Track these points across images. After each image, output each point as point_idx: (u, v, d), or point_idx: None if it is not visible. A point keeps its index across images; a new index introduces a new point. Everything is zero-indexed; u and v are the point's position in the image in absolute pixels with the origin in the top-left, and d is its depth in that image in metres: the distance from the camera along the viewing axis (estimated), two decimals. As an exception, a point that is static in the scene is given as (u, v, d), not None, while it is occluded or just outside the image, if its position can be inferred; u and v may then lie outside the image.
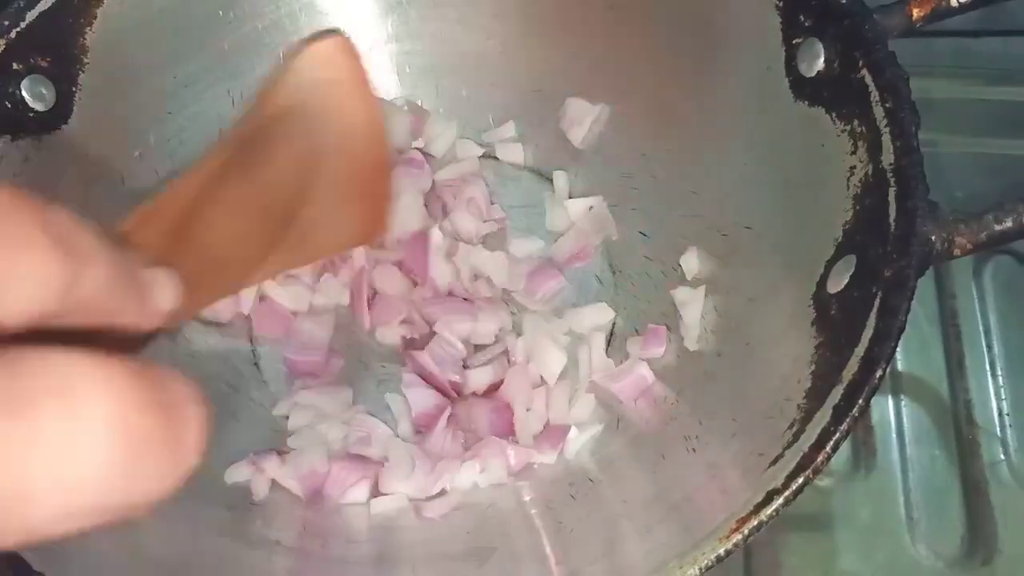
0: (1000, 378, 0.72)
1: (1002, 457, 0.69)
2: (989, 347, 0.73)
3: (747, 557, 0.66)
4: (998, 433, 0.70)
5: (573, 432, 0.62)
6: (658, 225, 0.69)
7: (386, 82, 0.75)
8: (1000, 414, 0.71)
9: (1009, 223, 0.48)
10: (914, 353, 0.73)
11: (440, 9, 0.73)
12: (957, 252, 0.48)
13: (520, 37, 0.73)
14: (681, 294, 0.65)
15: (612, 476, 0.59)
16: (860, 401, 0.45)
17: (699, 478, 0.52)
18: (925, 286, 0.75)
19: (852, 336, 0.48)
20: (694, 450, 0.56)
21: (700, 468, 0.53)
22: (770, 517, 0.43)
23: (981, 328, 0.74)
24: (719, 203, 0.65)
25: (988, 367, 0.72)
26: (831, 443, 0.44)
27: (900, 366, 0.73)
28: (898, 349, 0.71)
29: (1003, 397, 0.71)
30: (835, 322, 0.51)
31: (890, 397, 0.71)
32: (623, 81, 0.70)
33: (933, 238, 0.48)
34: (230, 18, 0.70)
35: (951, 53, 0.87)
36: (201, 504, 0.57)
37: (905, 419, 0.71)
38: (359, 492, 0.60)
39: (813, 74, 0.57)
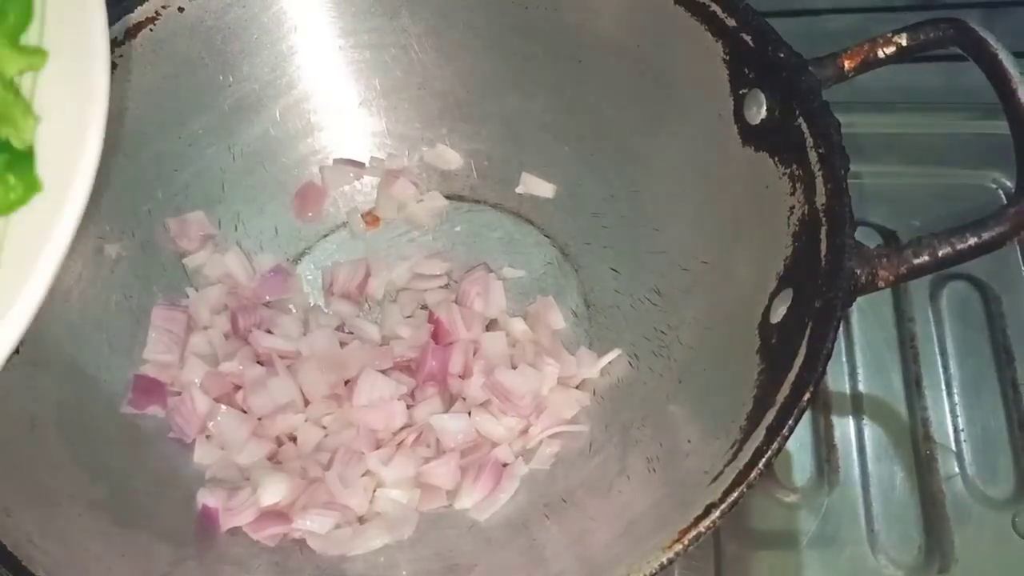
0: (956, 396, 0.76)
1: (957, 471, 0.73)
2: (945, 367, 0.78)
3: (718, 571, 0.70)
4: (954, 448, 0.74)
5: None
6: (626, 261, 0.74)
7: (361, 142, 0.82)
8: (956, 430, 0.75)
9: (926, 257, 0.52)
10: (874, 375, 0.78)
11: (416, 68, 0.79)
12: (881, 284, 0.53)
13: (494, 89, 0.79)
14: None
15: (583, 496, 0.63)
16: (790, 421, 0.49)
17: (656, 495, 0.57)
18: (884, 311, 0.80)
19: (787, 362, 0.53)
20: (654, 470, 0.60)
21: (657, 486, 0.58)
22: (708, 528, 0.48)
23: (937, 350, 0.78)
24: (679, 240, 0.70)
25: (944, 386, 0.77)
26: (763, 460, 0.49)
27: (861, 387, 0.77)
28: (858, 371, 0.78)
29: (959, 414, 0.75)
30: (775, 350, 0.56)
31: (851, 417, 0.76)
32: (591, 126, 0.76)
33: (858, 272, 0.53)
34: (229, 81, 0.76)
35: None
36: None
37: (866, 437, 0.75)
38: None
39: (757, 122, 0.63)
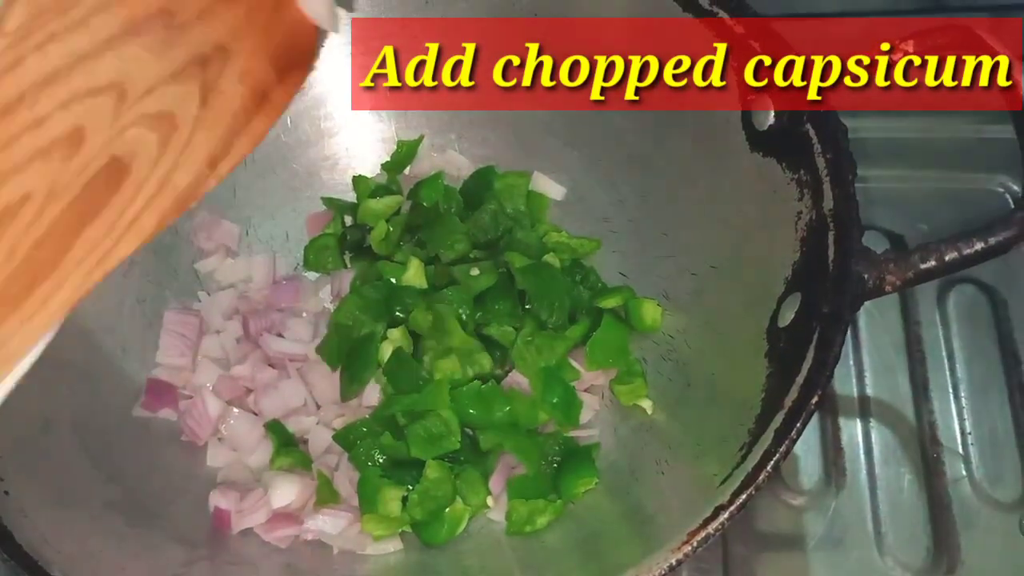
0: (963, 399, 0.77)
1: (964, 474, 0.73)
2: (952, 370, 0.78)
3: (725, 573, 0.70)
4: (960, 451, 0.74)
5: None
6: (635, 266, 0.74)
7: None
8: (962, 433, 0.75)
9: (933, 262, 0.53)
10: (881, 378, 0.78)
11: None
12: (888, 289, 0.54)
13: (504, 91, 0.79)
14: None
15: (591, 498, 0.64)
16: (798, 424, 0.50)
17: (664, 497, 0.58)
18: (891, 314, 0.81)
19: (796, 366, 0.53)
20: (663, 473, 0.61)
21: (666, 488, 0.59)
22: (716, 530, 0.48)
23: (944, 353, 0.79)
24: (688, 244, 0.70)
25: (951, 389, 0.77)
26: (771, 463, 0.49)
27: (868, 391, 0.78)
28: (866, 374, 0.78)
29: (965, 417, 0.76)
30: (783, 354, 0.56)
31: (859, 420, 0.76)
32: (601, 131, 0.76)
33: (866, 276, 0.53)
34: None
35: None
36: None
37: (873, 440, 0.75)
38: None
39: (765, 128, 0.63)
